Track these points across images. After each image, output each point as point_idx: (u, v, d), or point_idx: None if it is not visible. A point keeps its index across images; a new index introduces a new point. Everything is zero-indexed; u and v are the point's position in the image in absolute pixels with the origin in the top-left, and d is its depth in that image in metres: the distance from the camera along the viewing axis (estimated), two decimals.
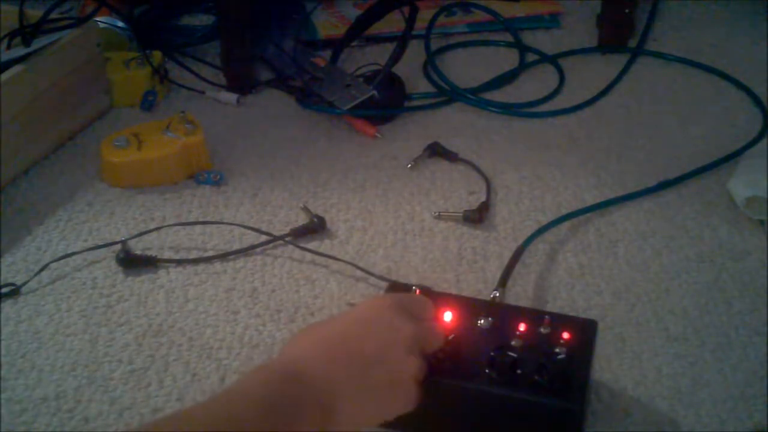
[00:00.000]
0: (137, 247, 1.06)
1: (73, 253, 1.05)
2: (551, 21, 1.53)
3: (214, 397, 0.69)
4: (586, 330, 0.84)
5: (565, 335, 0.82)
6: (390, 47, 1.33)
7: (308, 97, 1.30)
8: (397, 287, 0.92)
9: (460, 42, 1.48)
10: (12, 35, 1.20)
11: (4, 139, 1.13)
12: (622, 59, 1.42)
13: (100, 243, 1.06)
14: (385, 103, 1.27)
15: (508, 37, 1.47)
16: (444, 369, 0.80)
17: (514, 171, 1.19)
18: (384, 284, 1.00)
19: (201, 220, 1.11)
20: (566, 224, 1.09)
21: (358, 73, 1.30)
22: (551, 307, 0.98)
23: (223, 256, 1.06)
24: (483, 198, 1.14)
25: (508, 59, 1.43)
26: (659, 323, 0.97)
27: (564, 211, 1.11)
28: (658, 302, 0.99)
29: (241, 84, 1.34)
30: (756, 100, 1.32)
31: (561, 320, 0.84)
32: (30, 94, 1.16)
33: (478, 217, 1.10)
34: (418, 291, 0.86)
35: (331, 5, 1.53)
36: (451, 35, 1.49)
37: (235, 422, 0.65)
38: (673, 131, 1.27)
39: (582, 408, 0.79)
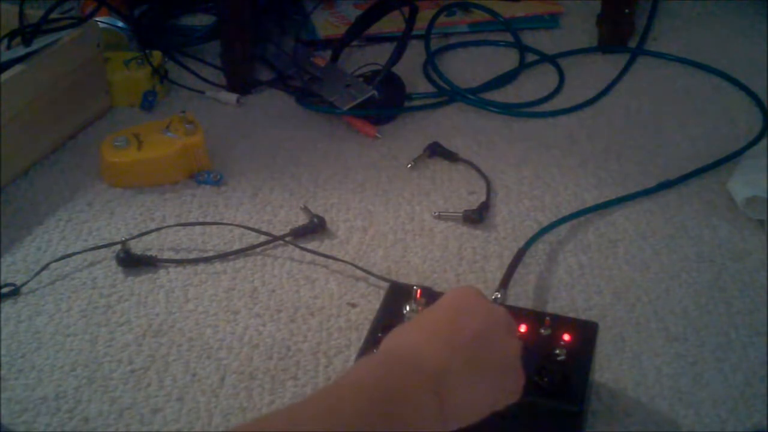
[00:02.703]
0: (137, 247, 1.06)
1: (73, 253, 1.05)
2: (551, 21, 1.53)
3: (323, 390, 0.66)
4: (586, 332, 0.84)
5: (566, 337, 0.82)
6: (390, 47, 1.33)
7: (308, 97, 1.30)
8: (397, 287, 0.92)
9: (460, 42, 1.48)
10: (12, 35, 1.20)
11: (4, 139, 1.13)
12: (622, 59, 1.42)
13: (100, 243, 1.06)
14: (385, 103, 1.27)
15: (508, 37, 1.47)
16: None
17: (514, 171, 1.19)
18: (384, 284, 1.00)
19: (201, 220, 1.11)
20: (566, 224, 1.09)
21: (358, 73, 1.30)
22: (551, 306, 0.98)
23: (223, 256, 1.06)
24: (483, 198, 1.14)
25: (508, 59, 1.43)
26: (659, 323, 0.97)
27: (564, 212, 1.11)
28: (658, 302, 0.99)
29: (241, 84, 1.34)
30: (756, 100, 1.32)
31: (561, 322, 0.85)
32: (30, 94, 1.16)
33: (478, 217, 1.10)
34: (418, 291, 0.86)
35: (331, 5, 1.53)
36: (451, 35, 1.49)
37: (349, 414, 0.61)
38: (673, 131, 1.27)
39: (582, 410, 0.79)
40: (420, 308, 0.86)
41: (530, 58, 1.44)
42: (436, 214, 1.12)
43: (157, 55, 1.33)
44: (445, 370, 0.67)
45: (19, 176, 1.17)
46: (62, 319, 0.98)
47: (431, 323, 0.73)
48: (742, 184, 1.11)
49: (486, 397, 0.71)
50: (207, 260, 1.05)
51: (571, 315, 0.95)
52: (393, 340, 0.72)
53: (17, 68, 1.14)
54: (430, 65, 1.40)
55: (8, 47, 1.20)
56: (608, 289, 1.01)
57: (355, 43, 1.42)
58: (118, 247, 1.05)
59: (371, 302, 0.99)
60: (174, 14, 1.51)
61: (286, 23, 1.46)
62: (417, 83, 1.37)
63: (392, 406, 0.63)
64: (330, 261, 1.04)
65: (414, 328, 0.73)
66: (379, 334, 0.83)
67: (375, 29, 1.42)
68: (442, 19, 1.48)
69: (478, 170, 1.18)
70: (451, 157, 1.21)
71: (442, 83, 1.36)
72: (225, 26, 1.34)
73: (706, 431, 0.85)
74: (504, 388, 0.72)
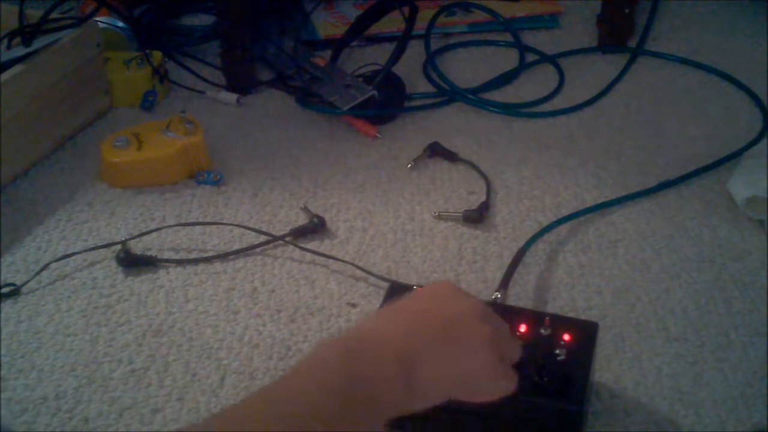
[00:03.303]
0: (137, 247, 1.06)
1: (73, 253, 1.05)
2: (551, 21, 1.53)
3: (284, 379, 0.65)
4: (586, 332, 0.84)
5: (566, 337, 0.82)
6: (390, 47, 1.33)
7: (308, 97, 1.30)
8: (397, 287, 0.92)
9: (460, 42, 1.48)
10: (12, 35, 1.20)
11: (4, 139, 1.13)
12: (622, 59, 1.42)
13: (100, 243, 1.06)
14: (385, 103, 1.27)
15: (508, 37, 1.47)
16: None
17: (514, 171, 1.19)
18: (384, 284, 0.99)
19: (201, 220, 1.11)
20: (566, 224, 1.09)
21: (358, 73, 1.30)
22: (551, 306, 0.98)
23: (223, 256, 1.06)
24: (483, 198, 1.14)
25: (508, 59, 1.43)
26: (659, 323, 0.97)
27: (564, 211, 1.11)
28: (658, 302, 0.99)
29: (241, 84, 1.34)
30: (756, 100, 1.32)
31: (562, 322, 0.85)
32: (30, 94, 1.16)
33: (478, 217, 1.10)
34: (418, 291, 0.86)
35: (331, 5, 1.53)
36: (451, 35, 1.49)
37: (314, 408, 0.62)
38: (673, 131, 1.27)
39: (582, 410, 0.79)
40: None
41: (530, 58, 1.44)
42: (436, 214, 1.12)
43: (157, 55, 1.33)
44: (411, 350, 0.68)
45: (19, 176, 1.17)
46: (62, 319, 0.98)
47: (397, 310, 0.74)
48: (742, 184, 1.11)
49: (453, 376, 0.70)
50: (207, 260, 1.05)
51: (571, 315, 0.95)
52: (357, 325, 0.74)
53: (17, 68, 1.14)
54: (430, 65, 1.40)
55: (8, 47, 1.20)
56: (608, 289, 1.01)
57: (355, 43, 1.42)
58: (118, 247, 1.05)
59: (371, 302, 0.99)
60: (174, 14, 1.51)
61: (286, 23, 1.46)
62: (417, 83, 1.37)
63: (357, 381, 0.64)
64: (330, 261, 1.04)
65: (379, 315, 0.74)
66: None
67: (375, 29, 1.42)
68: (442, 19, 1.48)
69: (478, 170, 1.18)
70: (451, 157, 1.21)
71: (442, 83, 1.36)
72: (225, 26, 1.34)
73: (706, 431, 0.86)
74: (471, 371, 0.71)
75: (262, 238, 1.07)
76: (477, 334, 0.72)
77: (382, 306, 0.89)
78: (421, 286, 0.87)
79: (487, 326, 0.72)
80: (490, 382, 0.73)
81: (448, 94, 1.34)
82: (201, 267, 1.04)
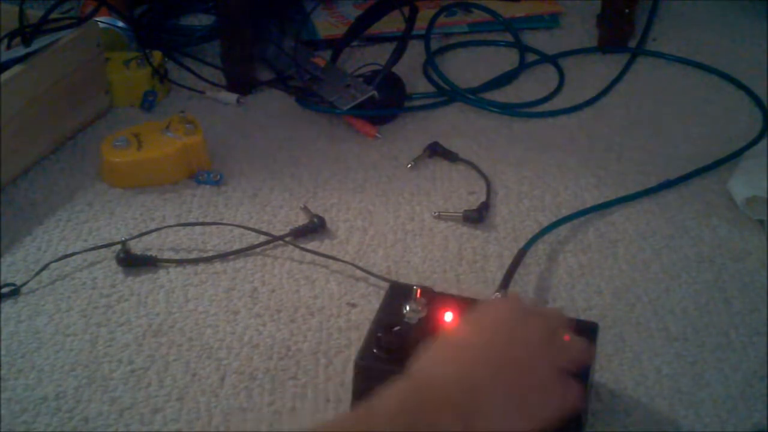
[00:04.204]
0: (137, 247, 1.06)
1: (73, 253, 1.05)
2: (551, 21, 1.53)
3: (355, 416, 0.67)
4: (586, 332, 0.84)
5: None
6: (390, 47, 1.33)
7: (308, 97, 1.30)
8: (397, 287, 0.92)
9: (460, 42, 1.48)
10: (12, 35, 1.19)
11: (4, 139, 1.13)
12: (622, 59, 1.42)
13: (100, 243, 1.06)
14: (385, 103, 1.27)
15: (508, 37, 1.47)
16: None
17: (514, 171, 1.19)
18: (384, 284, 1.00)
19: (201, 220, 1.11)
20: (566, 224, 1.09)
21: (358, 73, 1.30)
22: (551, 306, 0.98)
23: (223, 256, 1.06)
24: (483, 198, 1.14)
25: (508, 59, 1.43)
26: (659, 323, 0.97)
27: (564, 211, 1.11)
28: (658, 302, 0.99)
29: (241, 84, 1.34)
30: (756, 100, 1.32)
31: None
32: (30, 94, 1.16)
33: (478, 217, 1.10)
34: (418, 291, 0.86)
35: (331, 5, 1.53)
36: (451, 35, 1.49)
37: None
38: (673, 131, 1.27)
39: (582, 410, 0.79)
40: (420, 308, 0.86)
41: (530, 58, 1.44)
42: (436, 214, 1.12)
43: (157, 55, 1.33)
44: (473, 400, 0.67)
45: (19, 176, 1.17)
46: (62, 319, 0.98)
47: (463, 347, 0.72)
48: (742, 184, 1.11)
49: (520, 419, 0.69)
50: (207, 260, 1.05)
51: (571, 315, 0.95)
52: (429, 362, 0.71)
53: (17, 68, 1.14)
54: (430, 65, 1.40)
55: (8, 47, 1.20)
56: (608, 289, 1.01)
57: (355, 43, 1.42)
58: (118, 247, 1.05)
59: (371, 302, 0.99)
60: (174, 14, 1.51)
61: (286, 23, 1.46)
62: (417, 83, 1.37)
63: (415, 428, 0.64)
64: (330, 261, 1.04)
65: (449, 351, 0.72)
66: (379, 334, 0.83)
67: (375, 29, 1.42)
68: (442, 19, 1.48)
69: (478, 170, 1.18)
70: (451, 157, 1.21)
71: (442, 83, 1.36)
72: (225, 26, 1.34)
73: (706, 431, 0.86)
74: (538, 415, 0.70)
75: (262, 238, 1.07)
76: (543, 372, 0.71)
77: (381, 305, 0.89)
78: (422, 287, 0.87)
79: (553, 356, 0.72)
80: (556, 413, 0.72)
81: (448, 94, 1.34)
82: (201, 267, 1.04)
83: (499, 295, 0.96)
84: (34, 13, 1.21)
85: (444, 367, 0.71)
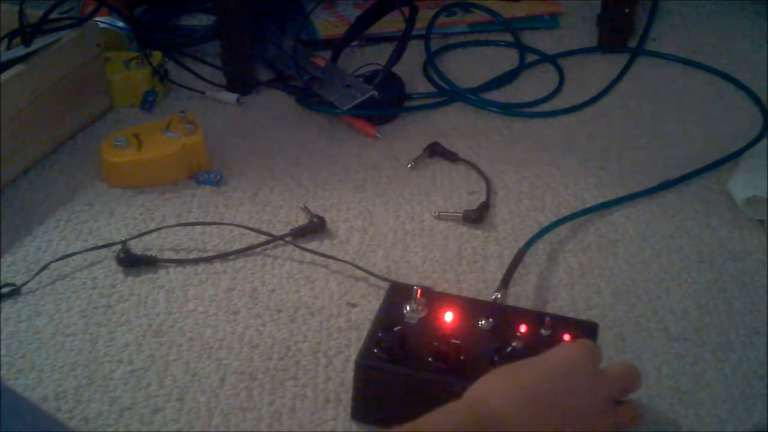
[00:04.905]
0: (137, 247, 1.06)
1: (73, 253, 1.05)
2: (551, 21, 1.53)
3: None
4: (586, 332, 0.84)
5: (566, 337, 0.82)
6: (390, 47, 1.33)
7: (308, 97, 1.30)
8: (397, 287, 0.92)
9: (460, 42, 1.48)
10: (12, 35, 1.19)
11: (4, 139, 1.13)
12: (622, 59, 1.42)
13: (100, 243, 1.06)
14: (385, 103, 1.27)
15: (508, 37, 1.47)
16: (445, 369, 0.80)
17: (514, 171, 1.19)
18: (384, 284, 0.99)
19: (201, 220, 1.11)
20: (566, 224, 1.09)
21: (358, 73, 1.30)
22: (551, 306, 0.98)
23: (223, 256, 1.06)
24: (483, 198, 1.14)
25: (508, 59, 1.43)
26: (659, 323, 0.97)
27: (564, 212, 1.11)
28: (658, 302, 0.99)
29: (241, 84, 1.34)
30: (756, 100, 1.32)
31: (561, 322, 0.85)
32: (30, 94, 1.16)
33: (478, 217, 1.10)
34: (419, 291, 0.86)
35: (331, 5, 1.53)
36: (451, 35, 1.49)
37: None
38: (673, 131, 1.27)
39: None
40: (420, 308, 0.86)
41: (530, 58, 1.44)
42: (436, 214, 1.12)
43: (157, 55, 1.33)
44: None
45: (19, 176, 1.17)
46: (62, 319, 0.98)
47: (525, 386, 0.72)
48: (742, 184, 1.11)
49: None
50: (207, 260, 1.05)
51: (571, 315, 0.95)
52: (483, 390, 0.72)
53: (17, 68, 1.14)
54: (430, 65, 1.40)
55: (8, 47, 1.20)
56: (608, 289, 1.01)
57: (355, 43, 1.42)
58: (118, 247, 1.05)
59: (371, 302, 0.99)
60: (174, 14, 1.51)
61: (286, 23, 1.46)
62: (417, 83, 1.37)
63: None
64: (330, 261, 1.04)
65: (507, 385, 0.72)
66: (379, 334, 0.83)
67: (375, 29, 1.42)
68: (442, 19, 1.48)
69: (478, 170, 1.19)
70: (451, 157, 1.21)
71: (442, 83, 1.36)
72: (225, 26, 1.34)
73: (706, 431, 0.86)
74: None
75: (262, 238, 1.07)
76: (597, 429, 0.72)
77: (381, 305, 0.89)
78: (422, 287, 0.87)
79: (610, 421, 0.73)
80: None
81: (448, 94, 1.34)
82: (201, 267, 1.04)
83: (499, 295, 0.96)
84: (34, 13, 1.21)
85: (507, 400, 0.70)
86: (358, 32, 1.40)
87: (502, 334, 0.83)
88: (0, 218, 1.11)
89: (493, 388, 0.72)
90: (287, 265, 1.05)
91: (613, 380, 0.76)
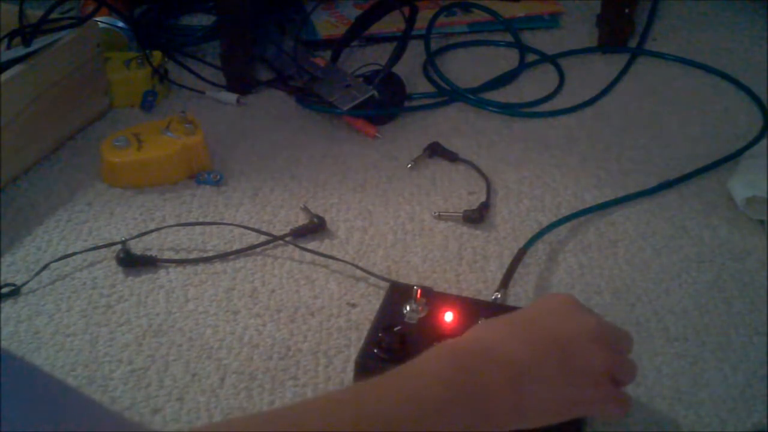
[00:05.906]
0: (137, 247, 1.06)
1: (73, 253, 1.05)
2: (551, 21, 1.53)
3: (394, 373, 0.65)
4: None
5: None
6: (390, 47, 1.33)
7: (308, 97, 1.30)
8: (397, 287, 0.92)
9: (460, 42, 1.48)
10: (12, 35, 1.19)
11: (4, 139, 1.13)
12: (622, 59, 1.42)
13: (100, 243, 1.06)
14: (385, 103, 1.27)
15: (508, 37, 1.47)
16: None
17: (514, 171, 1.19)
18: (384, 284, 1.00)
19: (201, 220, 1.11)
20: (566, 224, 1.09)
21: (358, 73, 1.30)
22: None
23: (223, 256, 1.06)
24: (483, 198, 1.14)
25: (508, 59, 1.43)
26: (659, 323, 0.97)
27: (564, 211, 1.11)
28: (658, 302, 0.99)
29: (241, 84, 1.34)
30: (756, 100, 1.32)
31: None
32: (30, 94, 1.16)
33: (478, 217, 1.10)
34: (418, 291, 0.86)
35: (331, 5, 1.53)
36: (451, 35, 1.49)
37: (421, 401, 0.63)
38: (673, 131, 1.27)
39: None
40: (420, 308, 0.86)
41: (530, 58, 1.44)
42: (436, 214, 1.12)
43: (157, 55, 1.33)
44: (523, 366, 0.67)
45: (19, 176, 1.17)
46: (62, 319, 0.98)
47: (518, 320, 0.73)
48: (742, 184, 1.11)
49: (562, 400, 0.70)
50: (207, 260, 1.05)
51: None
52: (477, 331, 0.72)
53: (17, 68, 1.14)
54: (430, 65, 1.40)
55: (8, 47, 1.20)
56: (608, 289, 1.01)
57: (355, 43, 1.42)
58: (118, 247, 1.05)
59: (371, 302, 0.99)
60: (174, 14, 1.51)
61: (286, 23, 1.46)
62: (417, 83, 1.37)
63: (470, 398, 0.64)
64: (330, 261, 1.04)
65: (500, 323, 0.72)
66: (380, 334, 0.83)
67: (375, 29, 1.42)
68: (442, 19, 1.48)
69: (478, 170, 1.19)
70: (451, 157, 1.21)
71: (442, 83, 1.36)
72: (225, 26, 1.34)
73: (706, 431, 0.86)
74: (581, 397, 0.71)
75: (262, 238, 1.07)
76: (591, 360, 0.71)
77: (381, 305, 0.89)
78: (422, 287, 0.87)
79: (604, 352, 0.72)
80: (598, 407, 0.72)
81: (448, 94, 1.34)
82: (201, 267, 1.04)
83: (499, 295, 0.96)
84: (34, 13, 1.21)
85: (497, 333, 0.71)
86: (358, 32, 1.40)
87: None
88: (0, 218, 1.11)
89: (484, 329, 0.72)
90: (287, 265, 1.05)
91: (605, 323, 0.75)
